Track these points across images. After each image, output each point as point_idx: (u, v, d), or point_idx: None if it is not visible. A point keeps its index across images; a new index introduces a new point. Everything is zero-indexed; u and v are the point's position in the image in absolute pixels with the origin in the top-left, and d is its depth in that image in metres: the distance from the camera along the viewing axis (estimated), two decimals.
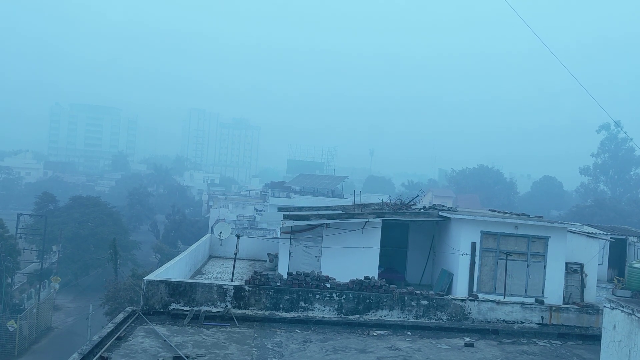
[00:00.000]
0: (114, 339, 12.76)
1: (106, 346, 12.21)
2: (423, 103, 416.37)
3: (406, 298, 16.10)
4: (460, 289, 18.62)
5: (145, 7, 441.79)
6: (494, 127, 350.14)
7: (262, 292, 15.57)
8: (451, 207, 23.76)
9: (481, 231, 18.87)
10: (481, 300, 16.64)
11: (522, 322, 16.54)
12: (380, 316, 15.90)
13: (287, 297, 15.64)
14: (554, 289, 18.82)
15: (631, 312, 11.14)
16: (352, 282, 16.16)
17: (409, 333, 15.43)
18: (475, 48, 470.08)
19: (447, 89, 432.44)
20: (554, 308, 16.89)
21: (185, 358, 11.83)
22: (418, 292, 16.48)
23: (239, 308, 15.42)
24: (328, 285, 15.97)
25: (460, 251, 18.81)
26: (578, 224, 25.67)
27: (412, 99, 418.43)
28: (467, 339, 15.28)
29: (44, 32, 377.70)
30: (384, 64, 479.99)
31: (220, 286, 15.61)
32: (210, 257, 26.49)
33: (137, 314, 14.93)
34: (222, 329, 14.37)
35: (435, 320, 16.16)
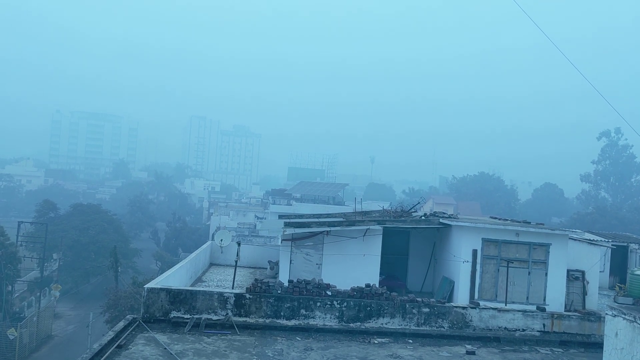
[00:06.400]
0: (114, 347, 12.73)
1: (106, 354, 12.18)
2: (423, 109, 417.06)
3: (407, 306, 16.07)
4: (461, 297, 18.57)
5: (146, 19, 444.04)
6: (494, 134, 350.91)
7: (262, 299, 15.54)
8: (452, 215, 23.76)
9: (482, 238, 18.84)
10: (482, 308, 16.59)
11: (523, 330, 16.48)
12: (382, 324, 15.85)
13: (288, 304, 15.61)
14: (556, 296, 18.77)
15: (633, 319, 11.11)
16: (353, 289, 16.12)
17: (410, 341, 15.38)
18: (474, 52, 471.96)
19: (447, 96, 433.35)
20: (555, 315, 16.83)
21: None
22: (419, 299, 16.43)
23: (240, 316, 15.39)
24: (329, 293, 15.94)
25: (461, 258, 18.78)
26: (579, 231, 25.57)
27: (412, 105, 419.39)
28: (469, 346, 15.22)
29: (46, 44, 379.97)
30: (383, 71, 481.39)
31: (221, 294, 15.58)
32: (211, 264, 26.45)
33: (137, 322, 14.90)
34: (222, 337, 14.33)
35: (437, 328, 16.11)
